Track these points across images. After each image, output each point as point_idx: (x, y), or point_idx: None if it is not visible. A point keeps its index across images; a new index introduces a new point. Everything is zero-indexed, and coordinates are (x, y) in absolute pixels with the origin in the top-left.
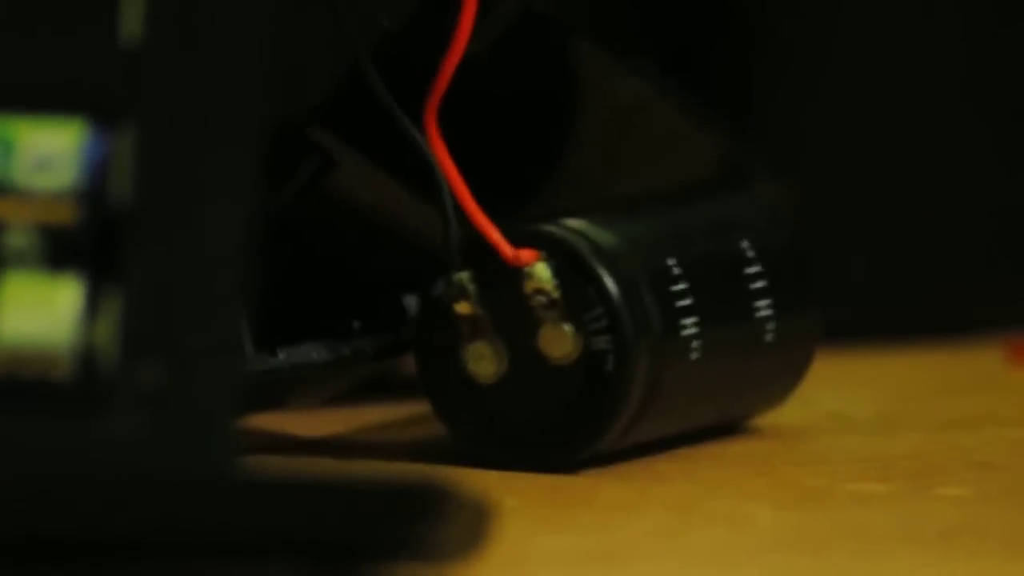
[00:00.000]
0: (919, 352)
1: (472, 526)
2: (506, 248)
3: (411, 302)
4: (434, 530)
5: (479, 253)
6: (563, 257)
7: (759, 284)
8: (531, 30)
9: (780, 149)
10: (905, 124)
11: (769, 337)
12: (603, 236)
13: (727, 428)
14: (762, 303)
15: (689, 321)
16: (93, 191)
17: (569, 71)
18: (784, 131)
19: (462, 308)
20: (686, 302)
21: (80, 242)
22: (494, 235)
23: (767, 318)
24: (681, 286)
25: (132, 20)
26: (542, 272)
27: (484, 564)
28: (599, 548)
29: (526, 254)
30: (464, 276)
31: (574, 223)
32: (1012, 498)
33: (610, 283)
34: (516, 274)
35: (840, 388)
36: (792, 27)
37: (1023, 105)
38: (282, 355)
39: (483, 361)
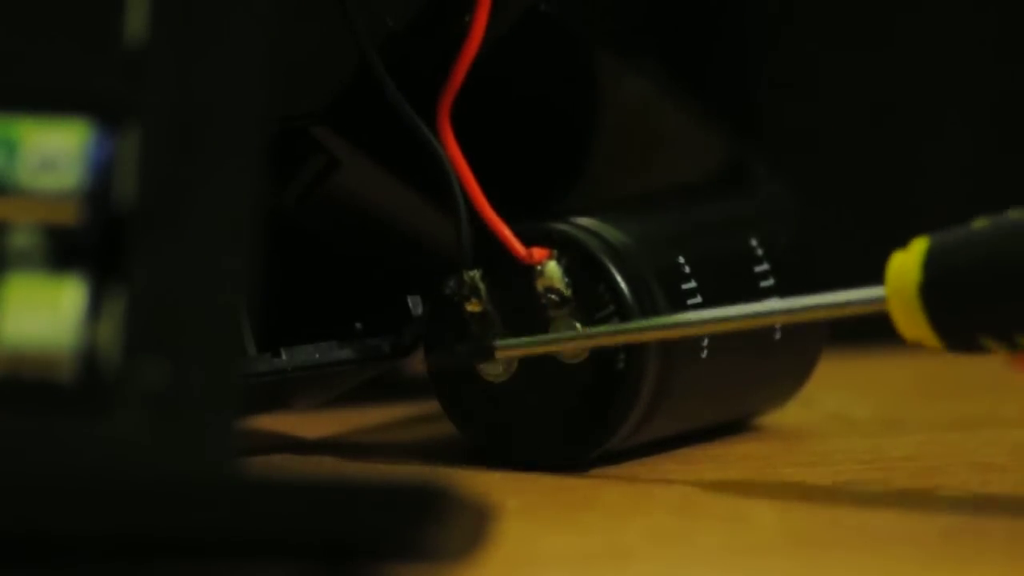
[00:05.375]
0: (920, 353)
1: (473, 527)
2: (518, 247)
3: (415, 303)
4: (435, 531)
5: (489, 251)
6: (574, 255)
7: (767, 283)
8: (536, 30)
9: (784, 149)
10: (908, 125)
11: (777, 336)
12: (614, 234)
13: (733, 426)
14: (770, 300)
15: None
16: (97, 191)
17: (575, 71)
18: (788, 131)
19: (473, 307)
20: (696, 300)
21: (84, 242)
22: (506, 233)
23: None
24: (691, 284)
25: (136, 21)
26: (553, 270)
27: (485, 565)
28: (601, 549)
29: (538, 252)
30: (475, 274)
31: (585, 221)
32: (1014, 500)
33: (621, 281)
34: (527, 272)
35: (842, 389)
36: (796, 27)
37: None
38: (285, 356)
39: (493, 360)
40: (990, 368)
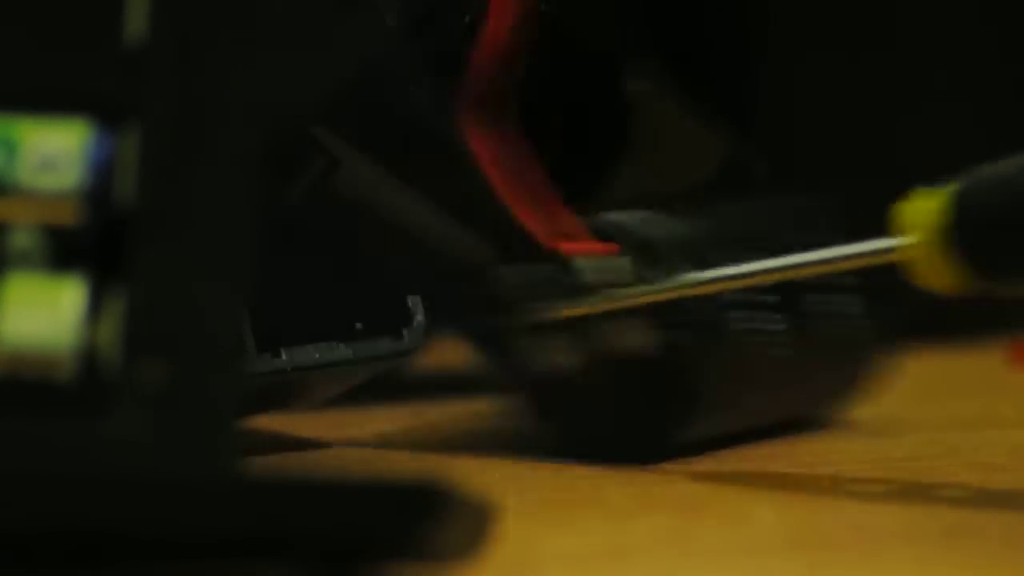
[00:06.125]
0: (921, 354)
1: (474, 527)
2: (543, 239)
3: (415, 303)
4: (436, 530)
5: (516, 244)
6: (640, 251)
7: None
8: (537, 30)
9: (783, 148)
10: (908, 126)
11: (826, 336)
12: (676, 230)
13: (797, 423)
14: (814, 298)
15: (757, 316)
16: (97, 191)
17: (575, 71)
18: (788, 131)
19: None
20: (757, 298)
21: (84, 242)
22: (531, 227)
23: (830, 314)
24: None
25: (136, 21)
26: (583, 264)
27: (486, 565)
28: (602, 548)
29: (565, 245)
30: (516, 268)
31: (649, 217)
32: (1013, 499)
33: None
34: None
35: None
36: (797, 26)
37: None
38: (285, 356)
39: (560, 355)
40: (990, 368)
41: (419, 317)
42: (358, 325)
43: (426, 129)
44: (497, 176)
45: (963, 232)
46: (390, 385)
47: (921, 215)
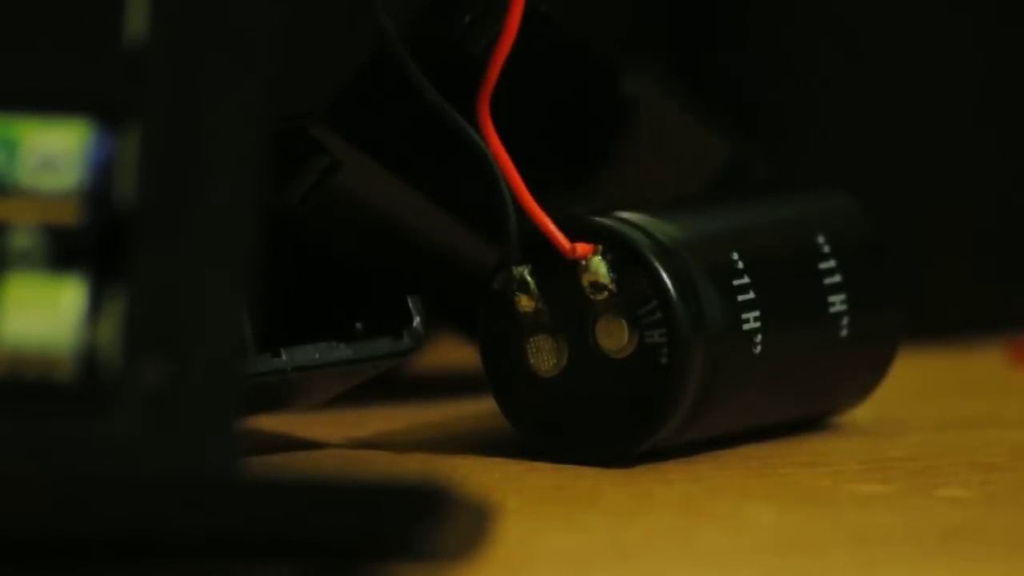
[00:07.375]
0: (921, 353)
1: (473, 527)
2: (563, 241)
3: (415, 303)
4: (435, 531)
5: (535, 246)
6: (619, 250)
7: (833, 279)
8: (537, 30)
9: (784, 149)
10: (908, 127)
11: (844, 332)
12: (661, 229)
13: (807, 424)
14: (836, 298)
15: (751, 315)
16: (97, 191)
17: (575, 71)
18: (789, 132)
19: (523, 302)
20: (748, 296)
21: (84, 242)
22: (551, 228)
23: (841, 313)
24: (744, 280)
25: (137, 20)
26: (598, 265)
27: (485, 565)
28: (601, 549)
29: (582, 247)
30: (523, 270)
31: (631, 216)
32: (1014, 500)
33: (664, 276)
34: (573, 267)
35: None
36: (798, 27)
37: None
38: (285, 356)
39: (543, 354)
40: (990, 368)
41: (419, 317)
42: (358, 325)
43: (447, 130)
44: (516, 176)
45: None
46: (390, 385)
47: None
